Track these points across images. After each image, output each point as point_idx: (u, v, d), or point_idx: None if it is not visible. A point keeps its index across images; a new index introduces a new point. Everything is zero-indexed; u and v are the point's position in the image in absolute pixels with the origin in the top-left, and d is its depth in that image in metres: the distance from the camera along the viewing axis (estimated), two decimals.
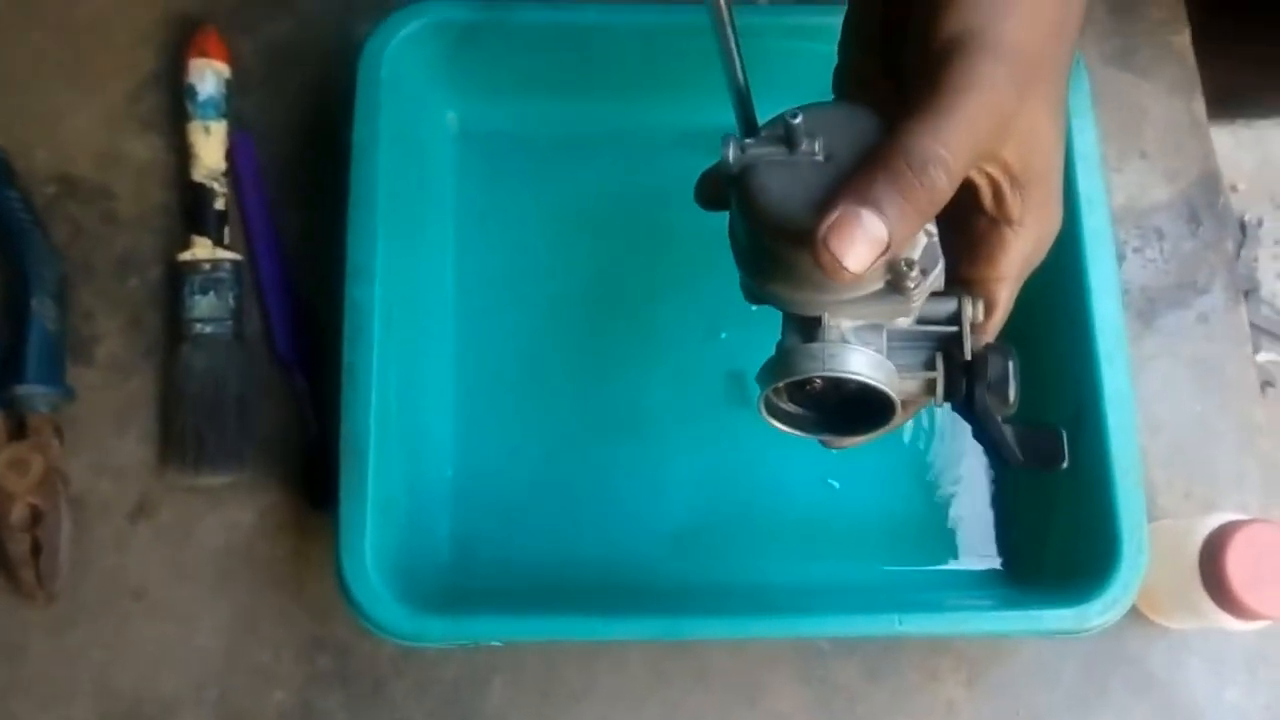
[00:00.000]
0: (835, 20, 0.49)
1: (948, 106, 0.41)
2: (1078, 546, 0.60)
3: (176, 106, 0.70)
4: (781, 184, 0.42)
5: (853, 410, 0.47)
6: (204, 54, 0.69)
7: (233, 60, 0.70)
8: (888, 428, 0.48)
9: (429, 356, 0.66)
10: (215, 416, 0.64)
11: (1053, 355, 0.62)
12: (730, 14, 0.41)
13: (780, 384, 0.45)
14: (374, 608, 0.56)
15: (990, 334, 0.49)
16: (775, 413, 0.48)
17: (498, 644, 0.61)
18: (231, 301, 0.67)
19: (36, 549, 0.62)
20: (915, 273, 0.43)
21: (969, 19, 0.42)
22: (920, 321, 0.47)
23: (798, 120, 0.42)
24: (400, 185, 0.63)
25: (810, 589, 0.63)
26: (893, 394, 0.45)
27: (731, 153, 0.43)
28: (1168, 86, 0.73)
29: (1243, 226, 1.50)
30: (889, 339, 0.46)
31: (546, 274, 0.69)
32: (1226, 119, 0.92)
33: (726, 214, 0.47)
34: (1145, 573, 0.57)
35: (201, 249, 0.67)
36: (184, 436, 0.64)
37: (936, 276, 0.45)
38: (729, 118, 0.44)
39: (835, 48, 0.50)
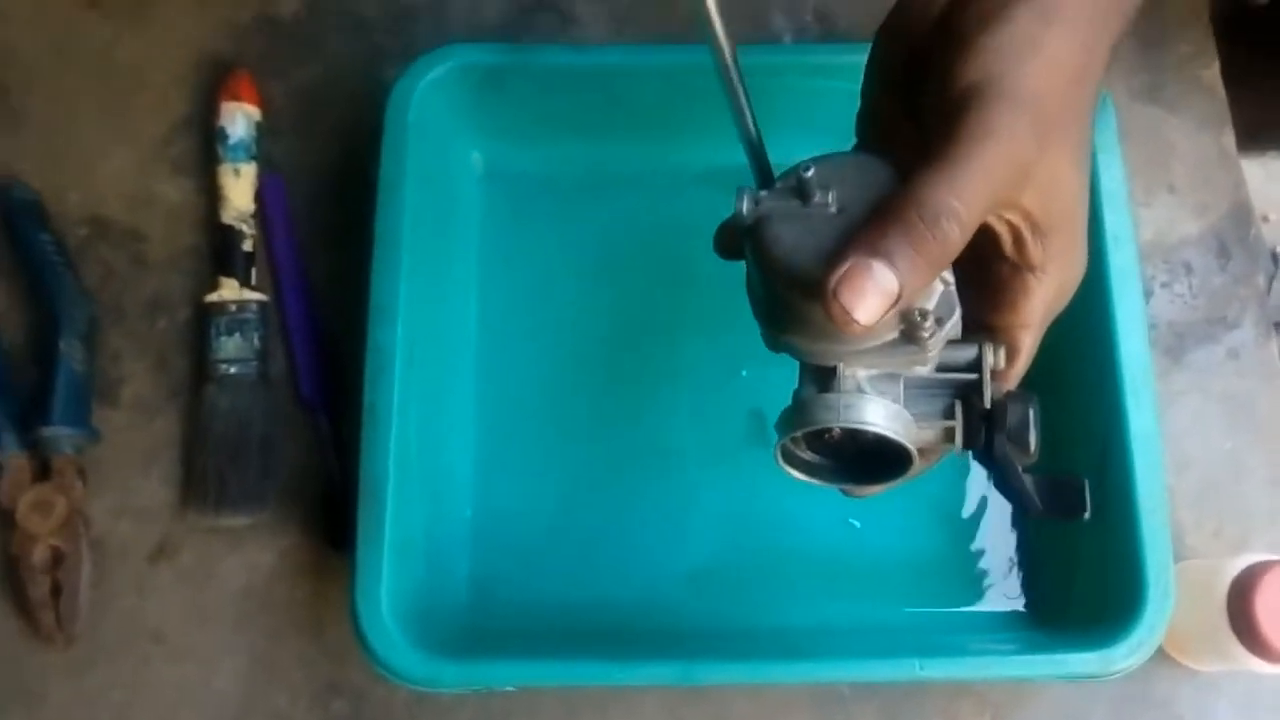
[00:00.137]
0: (858, 59, 0.49)
1: (963, 156, 0.41)
2: (1103, 588, 0.59)
3: (207, 149, 0.71)
4: (794, 236, 0.42)
5: (871, 459, 0.47)
6: (235, 97, 0.70)
7: (263, 104, 0.72)
8: (907, 476, 0.47)
9: (450, 396, 0.66)
10: (238, 457, 0.65)
11: (1079, 393, 0.61)
12: (738, 69, 0.41)
13: (797, 434, 0.45)
14: (388, 653, 0.56)
15: (1012, 381, 0.48)
16: (793, 461, 0.48)
17: (512, 689, 0.61)
18: (257, 342, 0.67)
19: (56, 591, 0.63)
20: (930, 322, 0.43)
21: (989, 66, 0.42)
22: (940, 368, 0.46)
23: (810, 174, 0.42)
24: (425, 226, 0.63)
25: (831, 630, 0.63)
26: (909, 445, 0.44)
27: (746, 205, 0.43)
28: (1197, 120, 0.72)
29: (1275, 258, 1.47)
30: (907, 386, 0.46)
31: (568, 314, 0.69)
32: (1258, 151, 0.91)
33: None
34: (1172, 614, 0.56)
35: (228, 290, 0.68)
36: (206, 477, 0.65)
37: (953, 325, 0.44)
38: None
39: (858, 86, 0.50)
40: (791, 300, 0.43)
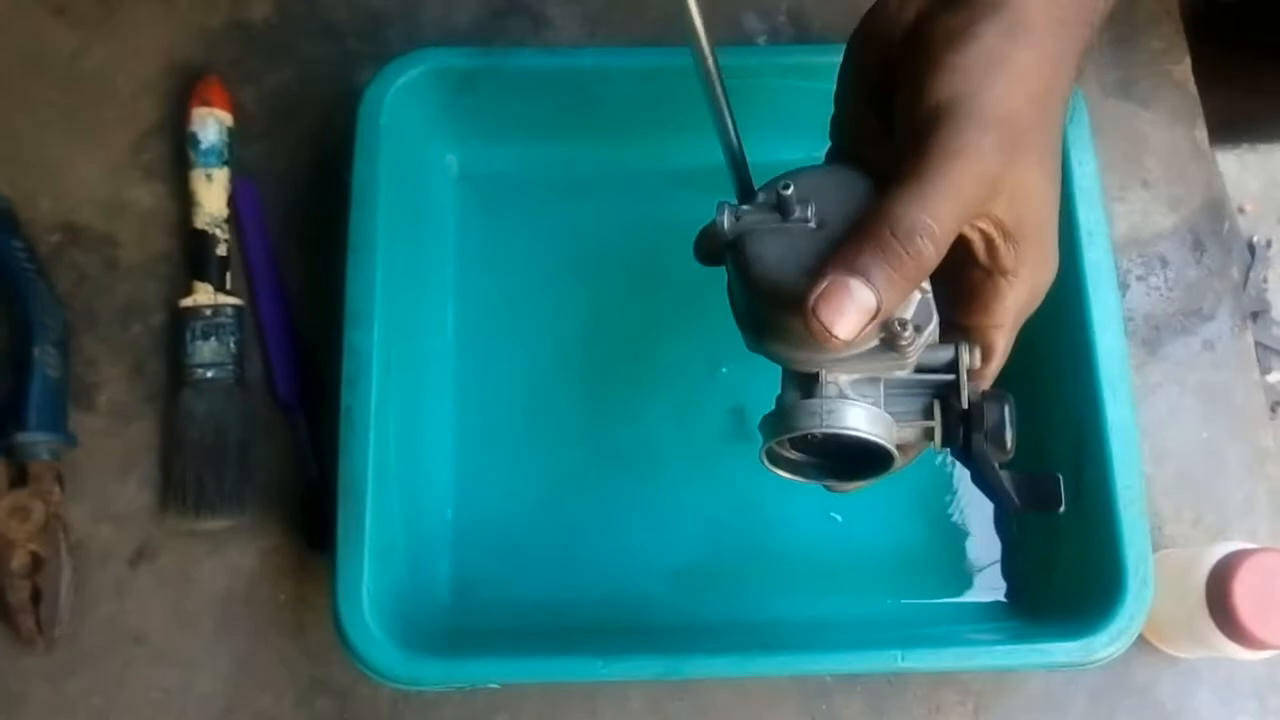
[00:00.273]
0: (832, 59, 0.50)
1: (933, 175, 0.42)
2: (1083, 578, 0.59)
3: (179, 155, 0.71)
4: (774, 252, 0.44)
5: (853, 458, 0.48)
6: (206, 103, 0.70)
7: (235, 109, 0.71)
8: (888, 473, 0.48)
9: (429, 398, 0.66)
10: (215, 461, 0.65)
11: (1056, 387, 0.62)
12: (722, 86, 0.42)
13: (781, 439, 0.46)
14: (370, 652, 0.56)
15: (988, 379, 0.49)
16: (778, 462, 0.48)
17: (497, 686, 0.61)
18: (233, 346, 0.67)
19: (36, 596, 0.63)
20: (909, 331, 0.44)
21: (956, 85, 0.43)
22: (918, 369, 0.47)
23: (789, 190, 0.43)
24: (400, 229, 0.63)
25: (814, 623, 0.63)
26: (890, 447, 0.45)
27: (726, 220, 0.44)
28: (1169, 115, 0.73)
29: (1251, 248, 1.49)
30: (887, 387, 0.47)
31: (546, 314, 0.69)
32: (1231, 144, 0.92)
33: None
34: (1152, 602, 0.56)
35: (203, 295, 0.68)
36: (184, 481, 0.64)
37: (931, 332, 0.45)
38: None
39: (832, 85, 0.50)
40: (773, 314, 0.44)
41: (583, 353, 0.68)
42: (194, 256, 0.69)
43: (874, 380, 0.46)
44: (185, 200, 0.70)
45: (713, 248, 0.47)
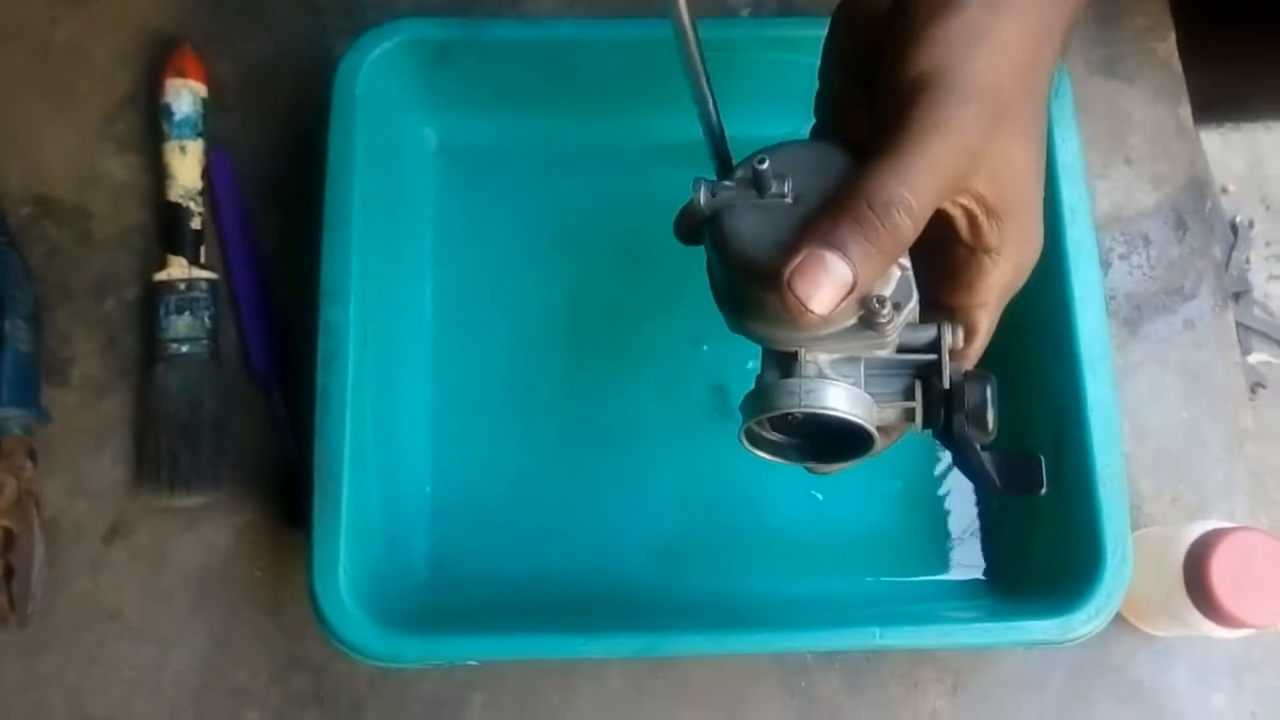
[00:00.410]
0: (816, 32, 0.49)
1: (912, 148, 0.41)
2: (1062, 556, 0.59)
3: (153, 126, 0.70)
4: (750, 227, 0.43)
5: (834, 439, 0.47)
6: (180, 74, 0.69)
7: (210, 80, 0.70)
8: (870, 454, 0.48)
9: (406, 374, 0.65)
10: (190, 436, 0.64)
11: (1037, 365, 0.62)
12: (703, 61, 0.42)
13: (761, 419, 0.46)
14: (347, 629, 0.55)
15: (971, 360, 0.49)
16: (758, 442, 0.48)
17: (475, 663, 0.60)
18: (207, 321, 0.66)
19: (9, 573, 0.62)
20: (888, 309, 0.43)
21: (937, 58, 0.42)
22: (900, 349, 0.47)
23: (765, 165, 0.43)
24: (376, 203, 0.62)
25: (794, 601, 0.63)
26: (870, 427, 0.45)
27: (703, 196, 0.44)
28: (1153, 93, 0.73)
29: (1234, 228, 1.49)
30: (868, 367, 0.46)
31: (525, 289, 0.69)
32: (1215, 123, 0.92)
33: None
34: (1130, 581, 0.56)
35: (177, 269, 0.67)
36: (158, 457, 0.64)
37: (911, 310, 0.45)
38: None
39: (817, 59, 0.50)
40: (750, 290, 0.44)
41: (563, 329, 0.68)
42: (168, 230, 0.68)
43: (854, 360, 0.46)
44: (159, 173, 0.69)
45: (692, 226, 0.47)
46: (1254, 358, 1.46)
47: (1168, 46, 0.73)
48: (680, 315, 0.67)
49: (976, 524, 0.65)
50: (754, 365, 0.47)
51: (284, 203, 0.69)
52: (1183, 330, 0.69)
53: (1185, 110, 0.72)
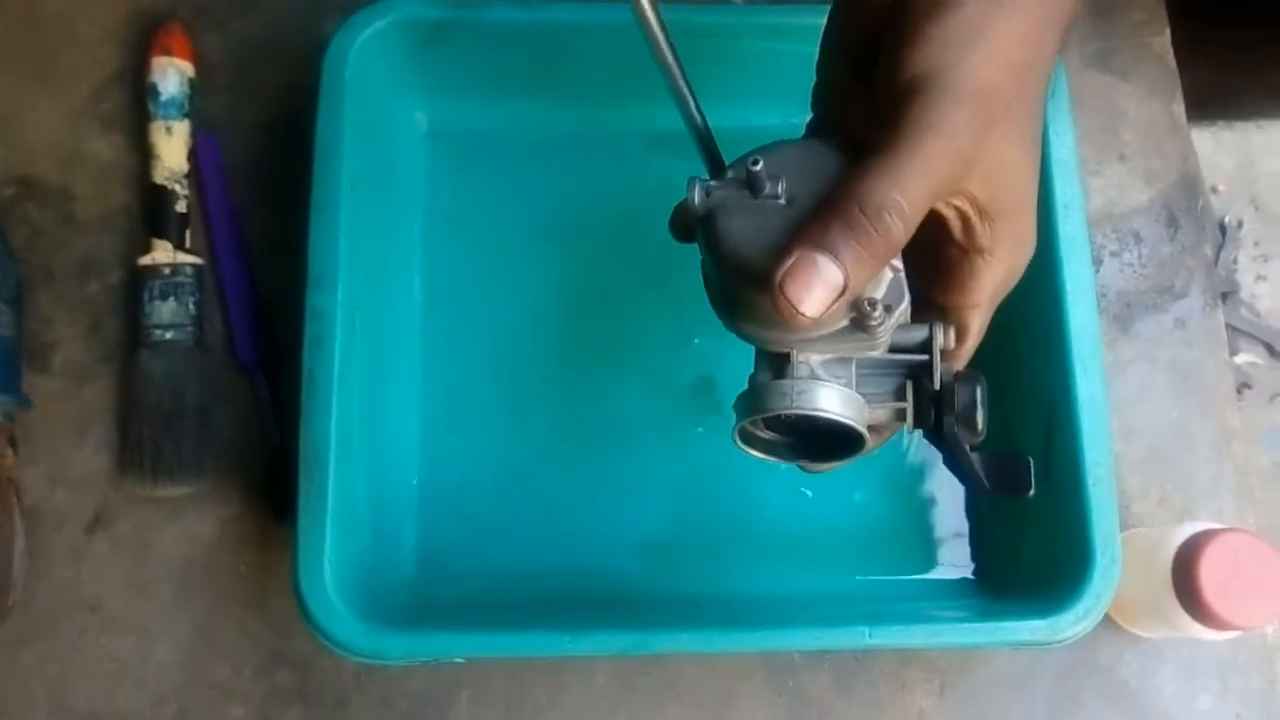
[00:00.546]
0: (811, 21, 0.49)
1: (905, 150, 0.41)
2: (1051, 556, 0.59)
3: (139, 106, 0.69)
4: (743, 228, 0.43)
5: (826, 439, 0.47)
6: (167, 52, 0.68)
7: (198, 59, 0.69)
8: (861, 454, 0.48)
9: (395, 362, 0.65)
10: (174, 425, 0.63)
11: (1028, 362, 0.61)
12: (680, 64, 0.42)
13: (754, 419, 0.46)
14: (331, 624, 0.55)
15: (962, 360, 0.49)
16: (751, 441, 0.48)
17: (462, 660, 0.60)
18: (192, 307, 0.65)
19: None
20: (879, 311, 0.43)
21: (933, 58, 0.42)
22: (892, 349, 0.47)
23: (759, 166, 0.43)
24: (365, 187, 0.62)
25: (783, 599, 0.63)
26: (860, 428, 0.45)
27: (697, 196, 0.44)
28: (1147, 88, 0.72)
29: (1223, 228, 1.50)
30: (859, 367, 0.46)
31: (516, 277, 0.68)
32: (1207, 121, 0.92)
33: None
34: (1118, 582, 0.56)
35: (162, 253, 0.66)
36: (141, 446, 0.63)
37: (902, 312, 0.45)
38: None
39: (812, 47, 0.49)
40: (743, 291, 0.44)
41: (554, 319, 0.67)
42: (153, 212, 0.67)
43: (846, 361, 0.46)
44: (144, 154, 0.68)
45: (686, 225, 0.46)
46: (1240, 358, 1.46)
47: (1163, 41, 0.73)
48: (673, 308, 0.67)
49: (966, 523, 0.65)
50: (746, 362, 0.47)
51: (271, 186, 0.68)
52: (1173, 329, 0.69)
53: (1179, 106, 0.72)
